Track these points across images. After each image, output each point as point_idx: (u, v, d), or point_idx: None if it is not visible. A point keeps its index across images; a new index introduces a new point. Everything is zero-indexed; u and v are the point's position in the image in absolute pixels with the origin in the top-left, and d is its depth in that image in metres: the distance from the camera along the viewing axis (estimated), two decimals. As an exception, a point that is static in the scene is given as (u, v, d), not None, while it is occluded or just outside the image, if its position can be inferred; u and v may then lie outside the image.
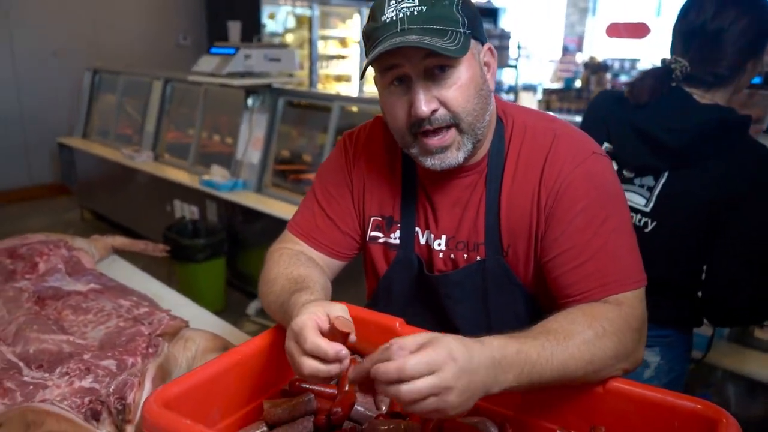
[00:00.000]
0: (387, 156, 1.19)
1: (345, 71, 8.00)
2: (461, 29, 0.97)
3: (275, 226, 3.57)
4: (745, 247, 1.42)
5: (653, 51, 10.39)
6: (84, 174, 5.48)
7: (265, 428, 0.92)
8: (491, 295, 1.13)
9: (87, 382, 1.11)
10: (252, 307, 3.78)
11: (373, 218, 1.20)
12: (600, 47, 11.22)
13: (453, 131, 1.01)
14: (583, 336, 0.87)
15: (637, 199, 1.49)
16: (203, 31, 7.17)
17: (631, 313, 0.94)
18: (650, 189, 1.48)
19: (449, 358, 0.75)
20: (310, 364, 0.83)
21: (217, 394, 0.90)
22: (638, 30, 10.51)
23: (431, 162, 1.04)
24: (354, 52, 7.91)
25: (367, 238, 1.22)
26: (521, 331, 0.87)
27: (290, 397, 0.98)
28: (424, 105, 0.97)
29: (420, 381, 0.74)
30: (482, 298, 1.13)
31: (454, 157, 1.03)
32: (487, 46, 1.05)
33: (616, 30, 10.77)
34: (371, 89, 8.12)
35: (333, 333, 0.85)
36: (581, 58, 10.59)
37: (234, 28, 4.19)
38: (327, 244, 1.19)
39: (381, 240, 1.20)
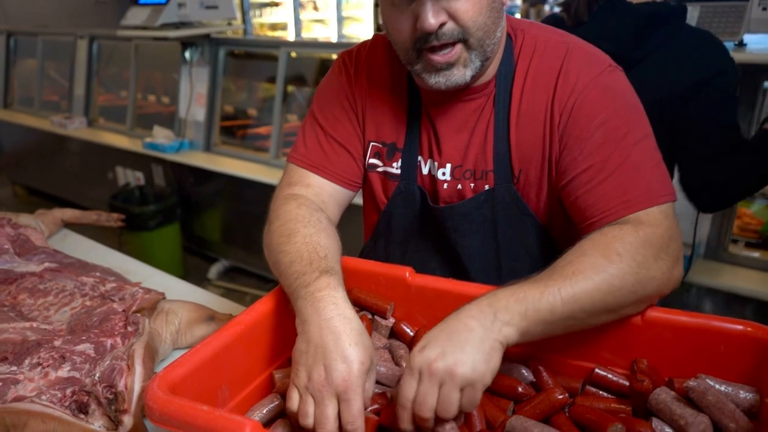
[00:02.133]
0: (390, 77, 1.08)
1: (280, 19, 7.65)
2: None
3: (229, 186, 3.41)
4: (708, 147, 1.36)
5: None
6: (10, 147, 5.10)
7: (280, 400, 0.83)
8: (501, 227, 1.05)
9: (64, 372, 0.99)
10: (213, 271, 3.64)
11: (372, 144, 1.10)
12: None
13: (459, 47, 0.91)
14: (595, 266, 0.79)
15: None
16: (123, -16, 6.67)
17: (653, 232, 0.84)
18: None
19: (422, 358, 0.72)
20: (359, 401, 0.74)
21: (223, 370, 0.80)
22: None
23: (435, 80, 0.93)
24: (287, -2, 7.56)
25: (366, 166, 1.11)
26: (525, 279, 0.80)
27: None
28: (432, 17, 0.86)
29: (422, 386, 0.71)
30: (492, 231, 1.05)
31: (461, 74, 0.93)
32: None
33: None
34: (307, 36, 7.83)
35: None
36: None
37: (157, -22, 3.88)
38: (341, 173, 1.08)
39: (380, 169, 1.10)
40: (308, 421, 0.72)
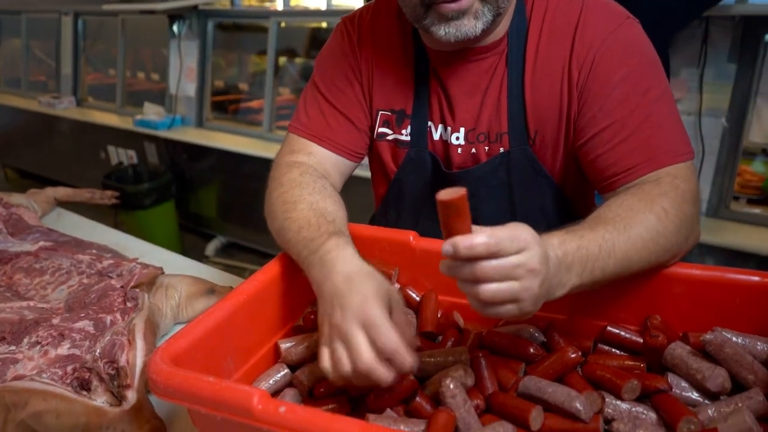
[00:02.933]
0: (396, 41, 1.04)
1: (268, -10, 7.52)
2: None
3: (224, 161, 3.37)
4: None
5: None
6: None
7: (286, 370, 0.81)
8: (516, 190, 1.02)
9: (64, 349, 0.97)
10: (210, 248, 3.62)
11: (381, 112, 1.06)
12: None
13: None
14: (645, 223, 0.77)
15: None
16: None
17: (687, 188, 0.83)
18: None
19: (535, 240, 0.65)
20: (385, 371, 0.67)
21: (227, 341, 0.78)
22: None
23: (445, 30, 0.88)
24: (274, -32, 7.40)
25: (375, 135, 1.08)
26: (576, 224, 0.77)
27: (306, 333, 0.88)
28: None
29: (506, 258, 0.62)
30: (507, 194, 1.03)
31: (472, 26, 0.88)
32: None
33: None
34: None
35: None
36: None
37: (142, -52, 3.77)
38: (343, 144, 1.04)
39: (390, 137, 1.07)
40: (345, 366, 0.67)
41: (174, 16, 3.50)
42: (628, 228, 0.76)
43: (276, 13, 3.28)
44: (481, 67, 0.98)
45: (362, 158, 1.10)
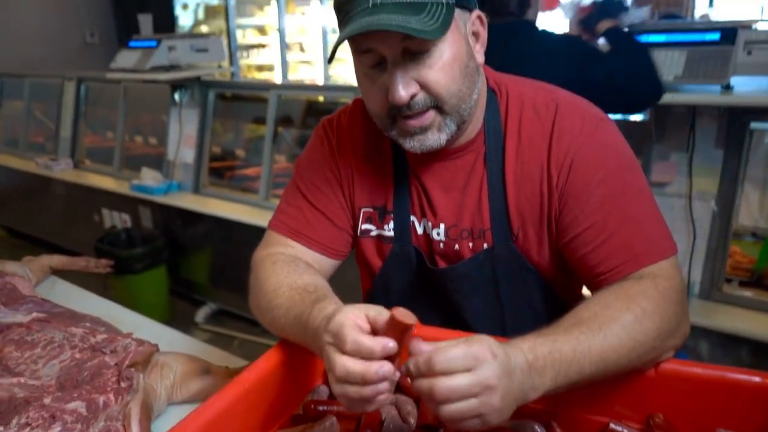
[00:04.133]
0: (373, 140, 1.07)
1: (267, 60, 7.73)
2: (443, 0, 0.85)
3: (217, 228, 3.38)
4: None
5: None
6: (-7, 189, 5.04)
7: (284, 462, 0.80)
8: (503, 285, 1.03)
9: (55, 433, 0.94)
10: (200, 315, 3.58)
11: (363, 209, 1.08)
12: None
13: (433, 112, 0.90)
14: (621, 321, 0.79)
15: None
16: (111, 27, 6.71)
17: (670, 286, 0.85)
18: None
19: (489, 354, 0.67)
20: (357, 368, 0.69)
21: (227, 432, 0.77)
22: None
23: (410, 144, 0.93)
24: (274, 40, 7.64)
25: (359, 233, 1.09)
26: (551, 326, 0.78)
27: (304, 423, 0.86)
28: (402, 90, 0.86)
29: (458, 376, 0.65)
30: (494, 289, 1.04)
31: (435, 138, 0.92)
32: (476, 13, 0.93)
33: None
34: (294, 77, 7.91)
35: (386, 330, 0.70)
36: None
37: (145, 21, 3.90)
38: (322, 241, 1.06)
39: (374, 233, 1.08)
40: (333, 384, 0.71)
41: (176, 85, 3.59)
42: (604, 328, 0.77)
43: (276, 86, 3.38)
44: (457, 165, 1.01)
45: (343, 256, 1.11)
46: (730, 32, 1.79)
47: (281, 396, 0.88)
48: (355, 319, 0.72)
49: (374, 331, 0.72)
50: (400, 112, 0.89)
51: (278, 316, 0.89)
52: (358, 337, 0.69)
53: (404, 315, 0.68)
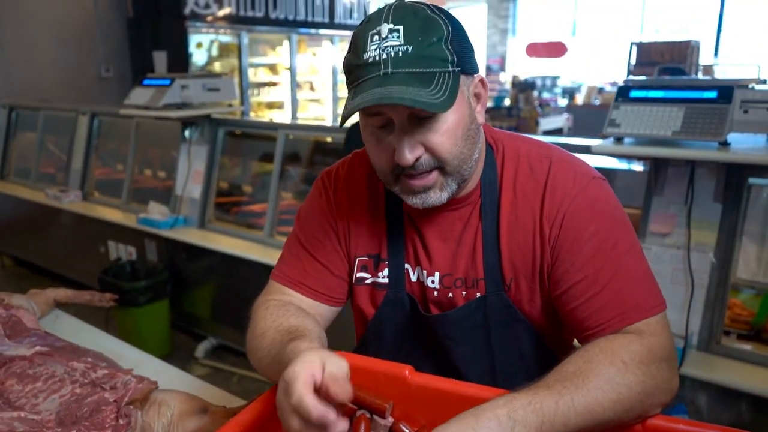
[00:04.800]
0: (369, 192, 1.12)
1: (277, 98, 7.89)
2: (449, 68, 0.90)
3: (221, 263, 3.41)
4: None
5: (570, 68, 10.87)
6: (2, 217, 5.10)
7: (276, 507, 0.81)
8: (494, 334, 1.06)
9: (52, 469, 0.96)
10: (200, 350, 3.58)
11: (359, 258, 1.12)
12: (521, 66, 11.63)
13: (436, 173, 0.95)
14: (604, 375, 0.81)
15: None
16: (127, 63, 6.88)
17: (656, 341, 0.88)
18: None
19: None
20: (295, 424, 0.73)
21: (221, 475, 0.79)
22: (556, 49, 10.95)
23: (413, 201, 0.98)
24: (285, 78, 7.81)
25: (354, 281, 1.13)
26: (533, 383, 0.81)
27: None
28: (408, 153, 0.91)
29: None
30: (485, 338, 1.07)
31: (437, 197, 0.97)
32: (478, 77, 0.98)
33: (536, 49, 11.19)
34: (303, 115, 8.03)
35: (326, 393, 0.74)
36: (505, 77, 10.91)
37: (160, 58, 4.02)
38: (320, 290, 1.10)
39: (368, 281, 1.12)
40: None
41: (187, 122, 3.67)
42: (587, 381, 0.79)
43: (284, 126, 3.46)
44: (454, 216, 1.05)
45: (342, 303, 1.15)
46: (727, 91, 1.84)
47: (276, 439, 0.89)
48: (311, 371, 0.74)
49: (324, 389, 0.74)
50: (404, 172, 0.94)
51: (262, 357, 0.94)
52: (303, 395, 0.72)
53: (337, 391, 0.73)
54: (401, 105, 0.86)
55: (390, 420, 0.97)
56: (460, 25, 0.95)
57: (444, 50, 0.90)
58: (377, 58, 0.88)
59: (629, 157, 2.13)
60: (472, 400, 0.88)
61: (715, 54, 9.15)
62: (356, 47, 0.91)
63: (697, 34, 8.91)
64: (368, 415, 0.97)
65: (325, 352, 0.78)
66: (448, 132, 0.92)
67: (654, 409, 0.84)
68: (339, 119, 0.97)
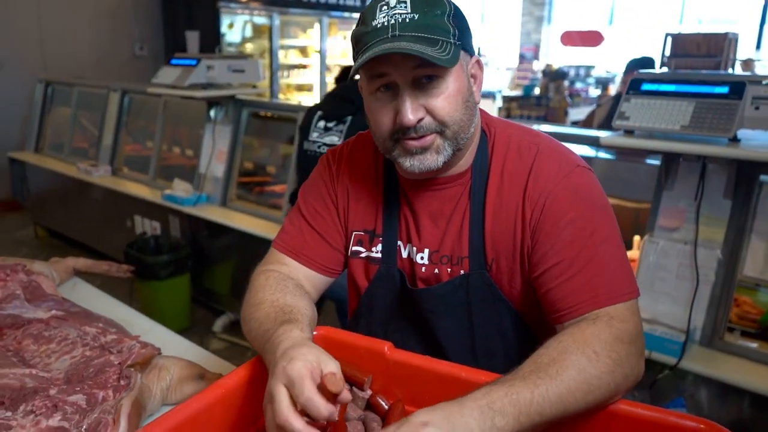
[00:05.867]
0: (370, 169, 1.17)
1: (306, 81, 7.95)
2: (452, 39, 0.96)
3: (241, 241, 3.50)
4: None
5: (606, 58, 10.67)
6: (37, 190, 5.28)
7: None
8: (475, 311, 1.11)
9: (55, 421, 1.04)
10: (218, 324, 3.68)
11: (355, 233, 1.18)
12: (556, 55, 11.46)
13: (434, 135, 1.00)
14: (576, 365, 0.84)
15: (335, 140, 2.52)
16: (160, 41, 7.01)
17: (623, 328, 0.91)
18: (340, 131, 2.54)
19: (420, 425, 0.73)
20: (295, 421, 0.75)
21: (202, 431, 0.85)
22: (592, 38, 10.76)
23: (410, 163, 1.01)
24: (315, 61, 7.86)
25: (349, 254, 1.19)
26: (509, 373, 0.85)
27: None
28: (411, 113, 0.96)
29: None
30: (467, 314, 1.11)
31: (434, 159, 1.01)
32: (475, 58, 1.04)
33: (571, 38, 11.00)
34: (333, 98, 8.05)
35: (323, 389, 0.78)
36: (538, 65, 10.78)
37: (192, 38, 4.10)
38: (317, 259, 1.16)
39: (363, 255, 1.18)
40: (269, 423, 0.77)
41: (212, 102, 3.75)
42: (561, 372, 0.83)
43: (304, 108, 3.50)
44: (445, 195, 1.09)
45: (336, 274, 1.20)
46: (738, 86, 1.82)
47: (258, 403, 0.95)
48: (313, 372, 0.78)
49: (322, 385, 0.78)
50: (405, 134, 0.99)
51: (253, 327, 0.99)
52: (314, 395, 0.75)
53: (333, 384, 0.76)
54: (404, 59, 0.92)
55: (368, 392, 1.03)
56: (460, 9, 1.01)
57: (447, 23, 0.96)
58: (385, 24, 0.94)
59: (637, 150, 2.12)
60: (446, 378, 0.94)
61: (758, 48, 8.87)
62: (365, 19, 0.98)
63: (742, 26, 8.66)
64: (348, 387, 1.03)
65: (319, 350, 0.83)
66: (450, 97, 0.97)
67: (621, 394, 0.88)
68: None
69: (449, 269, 1.10)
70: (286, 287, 1.07)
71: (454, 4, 0.99)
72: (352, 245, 1.18)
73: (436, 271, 1.11)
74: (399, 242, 1.14)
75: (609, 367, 0.86)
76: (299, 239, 1.17)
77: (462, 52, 0.99)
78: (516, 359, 0.89)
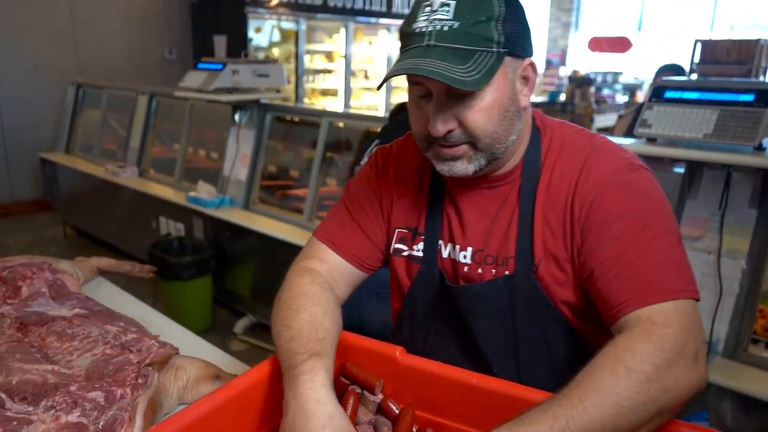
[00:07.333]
0: (416, 167, 1.17)
1: (331, 85, 8.00)
2: (493, 48, 0.92)
3: (263, 244, 3.53)
4: None
5: (635, 64, 10.55)
6: (66, 190, 5.40)
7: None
8: (519, 315, 1.06)
9: (74, 417, 1.06)
10: (239, 326, 3.72)
11: (398, 230, 1.18)
12: (583, 61, 11.35)
13: (466, 146, 0.98)
14: (602, 387, 0.77)
15: None
16: (189, 45, 7.13)
17: (665, 334, 0.82)
18: None
19: None
20: None
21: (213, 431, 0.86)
22: (620, 44, 10.63)
23: (440, 167, 1.02)
24: (340, 66, 7.91)
25: (392, 251, 1.18)
26: (531, 408, 0.80)
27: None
28: (440, 125, 0.95)
29: None
30: (509, 318, 1.07)
31: (464, 168, 1.00)
32: (528, 61, 0.99)
33: (599, 44, 10.89)
34: (356, 103, 8.11)
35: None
36: (564, 71, 10.69)
37: (220, 42, 4.17)
38: (355, 252, 1.16)
39: (405, 253, 1.17)
40: None
41: (237, 106, 3.80)
42: (584, 397, 0.77)
43: (328, 114, 3.54)
44: (493, 193, 1.08)
45: (372, 270, 1.20)
46: (764, 94, 1.79)
47: (269, 405, 0.96)
48: None
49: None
50: (436, 140, 0.99)
51: (283, 334, 0.97)
52: None
53: None
54: (430, 78, 0.90)
55: (379, 397, 1.03)
56: (520, 7, 0.97)
57: (491, 30, 0.92)
58: (423, 30, 0.93)
59: (659, 158, 2.10)
60: (457, 384, 0.94)
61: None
62: (410, 16, 0.97)
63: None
64: (359, 391, 1.04)
65: (328, 416, 0.83)
66: (483, 110, 0.95)
67: (670, 412, 0.81)
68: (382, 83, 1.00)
69: (493, 270, 1.07)
70: (328, 304, 1.04)
71: (507, 5, 0.93)
72: (395, 242, 1.17)
73: (480, 270, 1.08)
74: (440, 242, 1.13)
75: (642, 385, 0.78)
76: (340, 231, 1.17)
77: (508, 59, 0.95)
78: (565, 373, 0.85)
